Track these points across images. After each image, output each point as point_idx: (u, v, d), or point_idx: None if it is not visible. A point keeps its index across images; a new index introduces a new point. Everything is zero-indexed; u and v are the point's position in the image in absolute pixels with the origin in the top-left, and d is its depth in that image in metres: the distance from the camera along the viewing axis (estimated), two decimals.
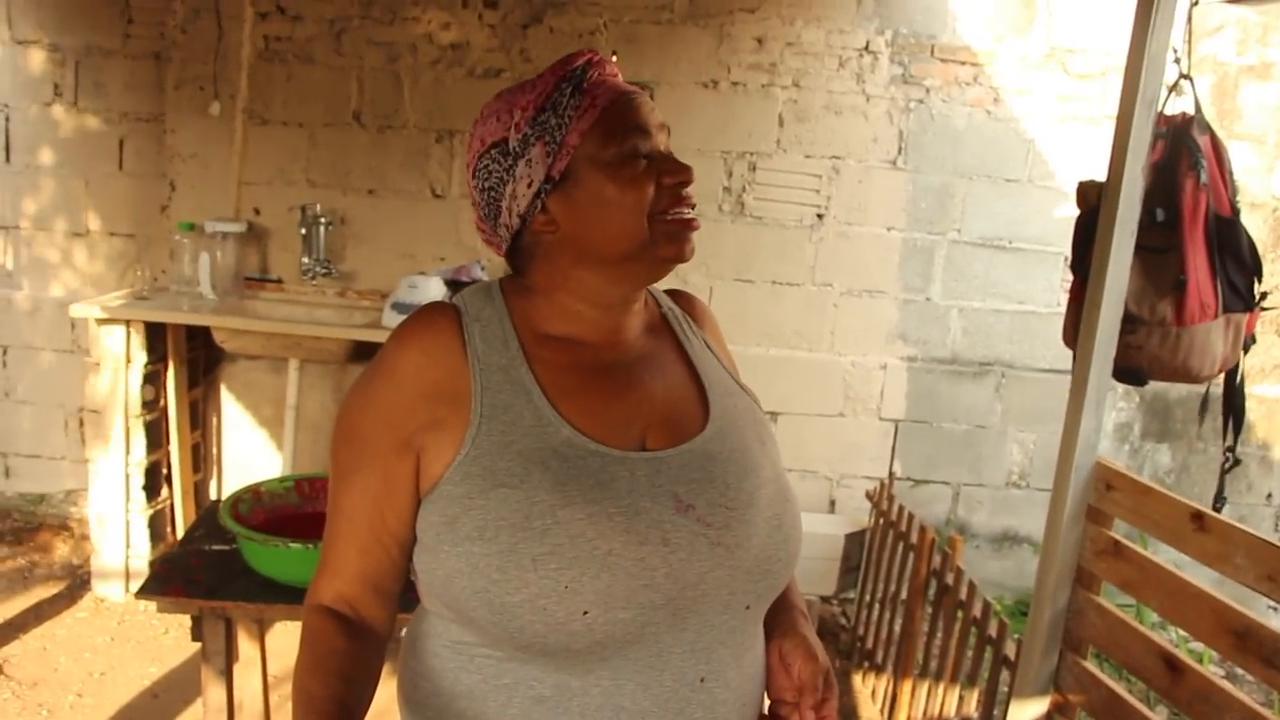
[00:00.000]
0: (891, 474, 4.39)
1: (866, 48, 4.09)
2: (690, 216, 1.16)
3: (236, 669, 2.60)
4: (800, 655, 1.18)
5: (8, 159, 4.32)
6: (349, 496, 1.15)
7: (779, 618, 1.25)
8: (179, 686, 3.34)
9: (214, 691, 2.49)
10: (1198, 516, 2.08)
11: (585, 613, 1.03)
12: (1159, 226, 2.35)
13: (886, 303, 4.29)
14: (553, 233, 1.17)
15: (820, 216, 4.22)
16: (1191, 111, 2.40)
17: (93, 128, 4.29)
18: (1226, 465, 2.55)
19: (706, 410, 1.20)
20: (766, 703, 1.21)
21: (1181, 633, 3.82)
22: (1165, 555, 2.35)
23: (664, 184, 1.14)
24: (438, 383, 1.13)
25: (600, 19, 4.05)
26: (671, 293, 1.37)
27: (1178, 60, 2.40)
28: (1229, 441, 2.53)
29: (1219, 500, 2.53)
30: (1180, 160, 2.35)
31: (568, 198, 1.15)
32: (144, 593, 2.37)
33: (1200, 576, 2.12)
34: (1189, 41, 2.42)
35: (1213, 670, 3.47)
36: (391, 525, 1.14)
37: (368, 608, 1.18)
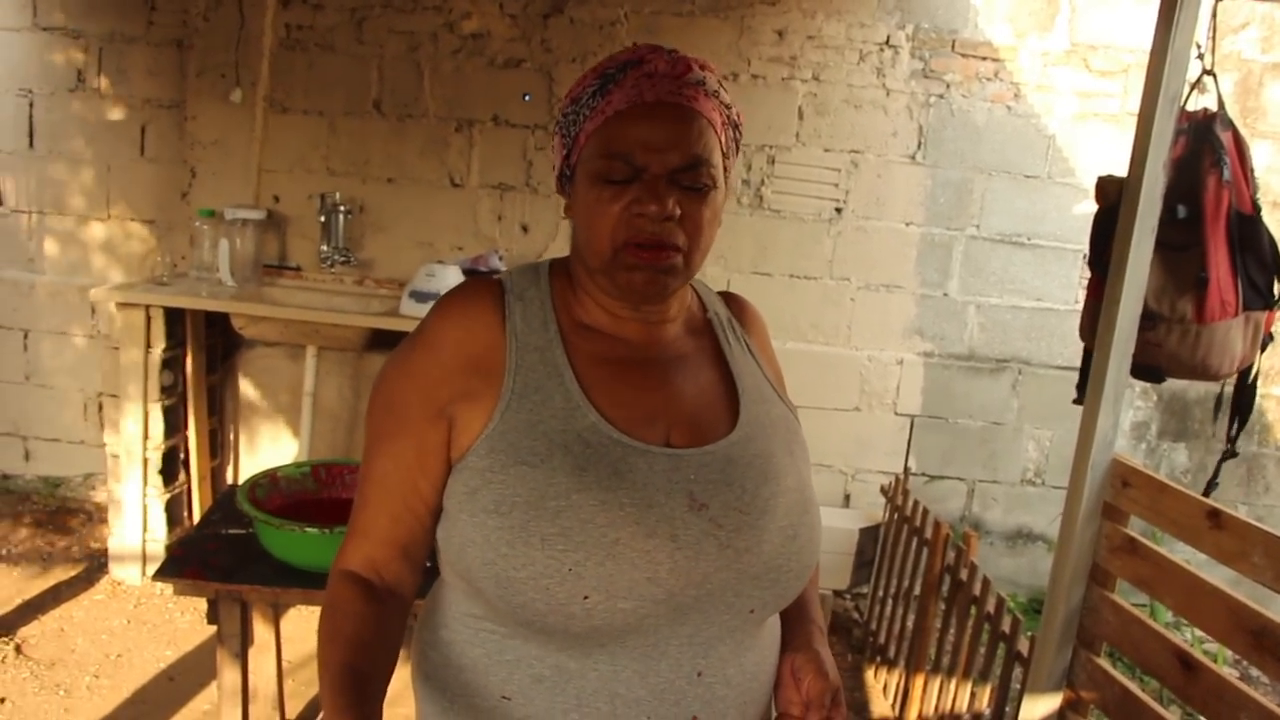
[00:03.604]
0: (906, 469, 4.39)
1: (887, 42, 4.07)
2: (652, 250, 1.10)
3: (251, 653, 2.62)
4: (811, 671, 1.18)
5: (31, 144, 4.35)
6: (382, 462, 1.17)
7: (795, 630, 1.26)
8: (194, 670, 3.36)
9: (229, 675, 2.51)
10: (1214, 514, 2.07)
11: (586, 597, 1.04)
12: (1180, 223, 2.33)
13: (904, 298, 4.28)
14: (571, 218, 1.20)
15: (839, 210, 4.21)
16: (1214, 108, 2.39)
17: (115, 114, 4.31)
18: (1225, 456, 2.57)
19: (736, 415, 1.20)
20: (775, 713, 1.21)
21: (1196, 633, 3.81)
22: (1179, 553, 2.34)
23: (627, 211, 1.10)
24: (474, 356, 1.14)
25: (621, 10, 4.05)
26: (723, 295, 1.36)
27: (1201, 56, 2.39)
28: (1232, 433, 2.54)
29: (1211, 486, 2.54)
30: (1203, 157, 2.33)
31: (574, 192, 1.18)
32: (161, 575, 2.39)
33: (1216, 575, 2.11)
34: (1213, 38, 2.41)
35: (1227, 670, 3.46)
36: (424, 492, 1.15)
37: (394, 573, 1.19)
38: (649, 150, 1.10)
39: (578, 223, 1.17)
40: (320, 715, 1.07)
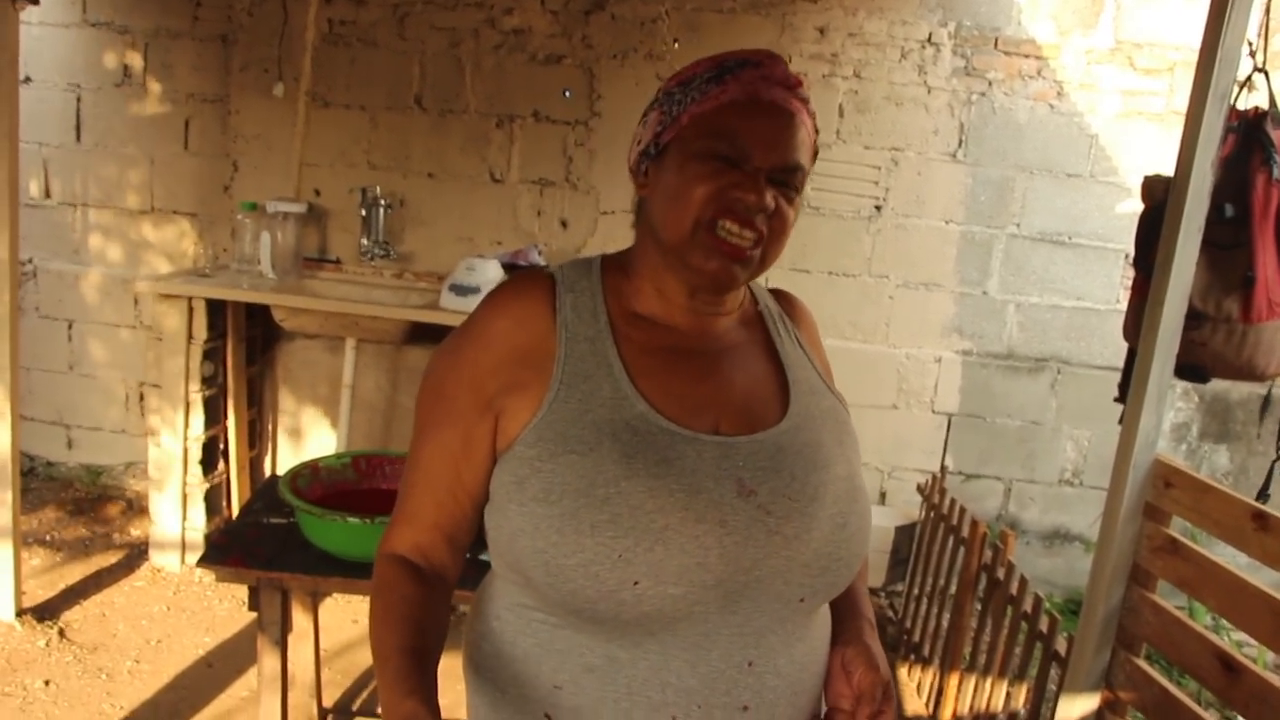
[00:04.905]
0: (943, 467, 4.36)
1: (929, 39, 4.05)
2: (734, 242, 1.12)
3: (289, 641, 2.65)
4: (861, 664, 1.19)
5: (78, 138, 4.41)
6: (429, 450, 1.19)
7: (845, 624, 1.26)
8: (231, 657, 3.40)
9: (269, 661, 2.54)
10: (1260, 516, 2.05)
11: (636, 583, 1.04)
12: (1228, 222, 2.31)
13: (943, 296, 4.26)
14: (645, 197, 1.21)
15: (878, 208, 4.19)
16: (1265, 106, 2.36)
17: (159, 108, 4.36)
18: (1278, 460, 2.54)
19: (786, 405, 1.21)
20: (825, 707, 1.21)
21: (1234, 636, 3.76)
22: (1219, 555, 2.32)
23: (725, 192, 1.11)
24: (523, 347, 1.15)
25: (663, 6, 4.05)
26: (774, 291, 1.38)
27: (1252, 54, 2.36)
28: None
29: (1263, 494, 2.51)
30: (1252, 155, 2.31)
31: (658, 169, 1.18)
32: (204, 562, 2.41)
33: (1258, 578, 2.08)
34: (1264, 35, 2.38)
35: (1269, 674, 3.42)
36: (467, 482, 1.17)
37: (439, 557, 1.21)
38: (756, 143, 1.12)
39: (659, 197, 1.17)
40: (373, 686, 1.08)
